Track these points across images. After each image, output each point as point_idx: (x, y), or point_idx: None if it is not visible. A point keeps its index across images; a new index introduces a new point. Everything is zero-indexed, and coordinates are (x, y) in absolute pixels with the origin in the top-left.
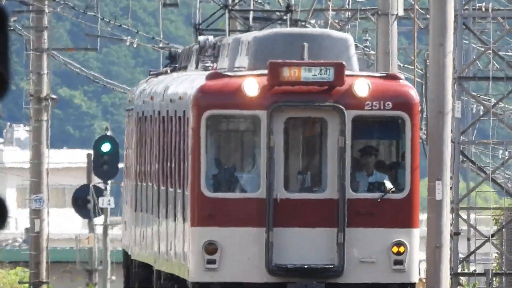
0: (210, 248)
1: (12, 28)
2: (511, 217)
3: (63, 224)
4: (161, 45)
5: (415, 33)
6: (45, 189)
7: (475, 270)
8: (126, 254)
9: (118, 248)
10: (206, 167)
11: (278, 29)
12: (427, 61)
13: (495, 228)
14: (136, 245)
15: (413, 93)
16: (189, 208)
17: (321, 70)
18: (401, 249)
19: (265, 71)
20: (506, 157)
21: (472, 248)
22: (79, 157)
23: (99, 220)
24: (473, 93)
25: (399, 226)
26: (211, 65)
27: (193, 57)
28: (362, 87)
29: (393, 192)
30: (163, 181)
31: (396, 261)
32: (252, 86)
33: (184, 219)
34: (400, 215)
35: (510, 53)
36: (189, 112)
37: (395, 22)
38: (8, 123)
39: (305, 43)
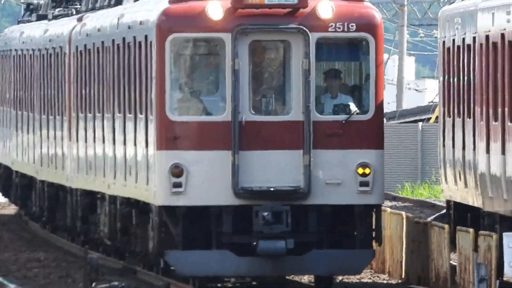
0: (176, 171)
1: None
2: None
3: None
4: (22, 0)
5: None
6: None
7: None
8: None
9: None
10: (170, 90)
11: None
12: None
13: None
14: (80, 175)
15: (377, 14)
16: (153, 132)
17: None
18: (367, 170)
19: None
20: None
21: None
22: None
23: None
24: None
25: (364, 147)
26: None
27: None
28: (325, 9)
29: (357, 114)
30: (118, 107)
31: (362, 182)
32: (216, 9)
33: (147, 144)
34: (365, 136)
35: None
36: (152, 36)
37: None
38: None
39: None
